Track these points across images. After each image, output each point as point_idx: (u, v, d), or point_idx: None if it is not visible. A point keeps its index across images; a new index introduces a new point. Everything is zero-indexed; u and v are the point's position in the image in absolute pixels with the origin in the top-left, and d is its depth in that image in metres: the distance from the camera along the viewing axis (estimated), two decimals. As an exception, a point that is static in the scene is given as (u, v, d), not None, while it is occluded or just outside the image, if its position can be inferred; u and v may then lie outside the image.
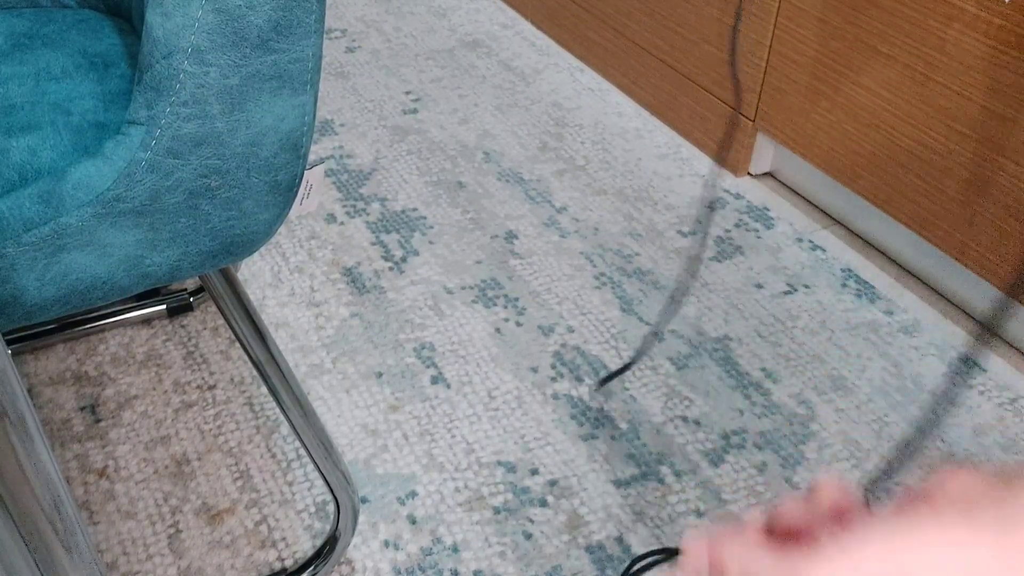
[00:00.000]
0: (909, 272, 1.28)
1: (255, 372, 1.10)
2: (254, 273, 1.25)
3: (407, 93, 1.63)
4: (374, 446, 1.02)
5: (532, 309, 1.20)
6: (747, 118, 1.40)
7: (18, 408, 0.43)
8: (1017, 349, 1.16)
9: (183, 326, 1.15)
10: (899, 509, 0.28)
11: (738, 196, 1.41)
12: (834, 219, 1.37)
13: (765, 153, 1.44)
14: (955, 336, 1.18)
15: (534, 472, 1.00)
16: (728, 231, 1.34)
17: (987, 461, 1.02)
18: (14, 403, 0.43)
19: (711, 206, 1.07)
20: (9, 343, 1.10)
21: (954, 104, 1.10)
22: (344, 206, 1.37)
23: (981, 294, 1.19)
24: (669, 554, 0.86)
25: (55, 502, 0.47)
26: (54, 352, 1.12)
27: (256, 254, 1.28)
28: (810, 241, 1.33)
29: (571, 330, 1.17)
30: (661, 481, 0.99)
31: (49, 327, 1.12)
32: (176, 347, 1.13)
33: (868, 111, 1.21)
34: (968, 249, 1.14)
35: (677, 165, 1.47)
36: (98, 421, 1.04)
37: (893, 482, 0.89)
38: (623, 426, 1.05)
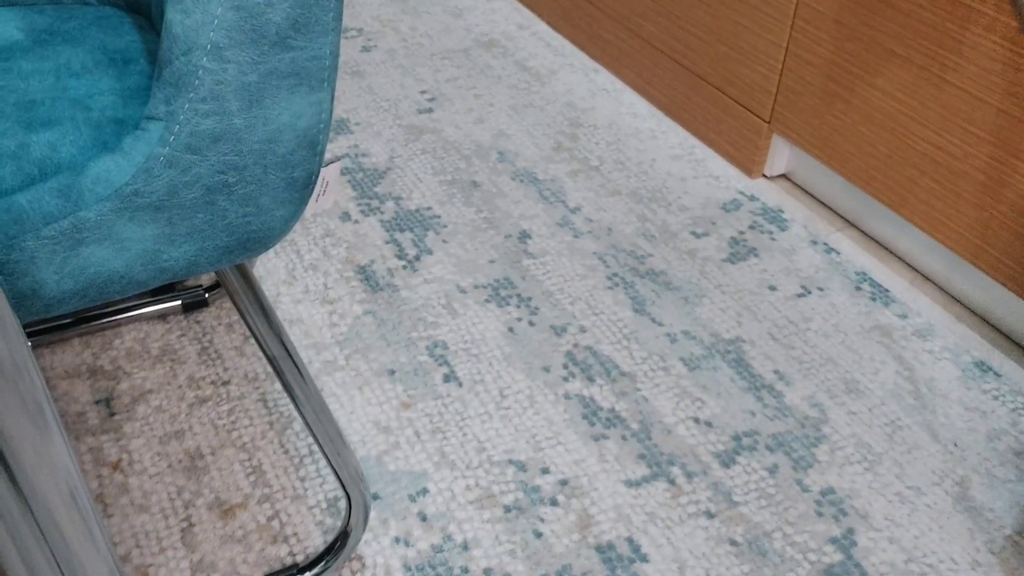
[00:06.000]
0: (924, 275, 1.28)
1: (269, 368, 1.10)
2: (269, 270, 1.25)
3: (422, 92, 1.64)
4: (386, 443, 1.02)
5: (545, 309, 1.20)
6: (763, 120, 1.40)
7: (37, 399, 0.44)
8: (1032, 354, 1.15)
9: (198, 322, 1.16)
10: None
11: (752, 198, 1.41)
12: (849, 222, 1.37)
13: (780, 155, 1.44)
14: (969, 340, 1.18)
15: (545, 471, 1.00)
16: (742, 233, 1.34)
17: (1001, 465, 1.02)
18: (33, 394, 0.43)
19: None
20: (26, 336, 1.11)
21: (970, 107, 1.10)
22: (359, 204, 1.37)
23: (996, 298, 1.19)
24: None
25: (72, 493, 0.48)
26: (70, 346, 1.13)
27: (271, 251, 1.29)
28: (824, 243, 1.32)
29: (583, 330, 1.17)
30: (672, 482, 0.99)
31: (65, 321, 1.13)
32: (191, 343, 1.13)
33: (884, 113, 1.21)
34: (983, 253, 1.14)
35: (691, 166, 1.47)
36: (113, 415, 1.04)
37: None
38: (634, 426, 1.05)
